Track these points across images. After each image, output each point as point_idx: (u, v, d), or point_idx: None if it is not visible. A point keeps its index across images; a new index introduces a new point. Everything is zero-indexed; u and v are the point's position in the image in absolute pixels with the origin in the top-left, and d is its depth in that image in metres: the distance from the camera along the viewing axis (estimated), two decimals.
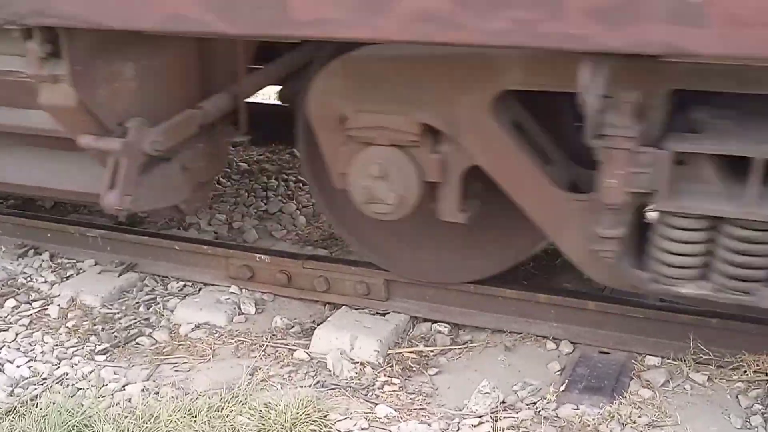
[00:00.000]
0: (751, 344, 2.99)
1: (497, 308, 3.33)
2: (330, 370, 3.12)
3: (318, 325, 3.35)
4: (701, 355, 3.01)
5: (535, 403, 2.88)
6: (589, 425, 2.74)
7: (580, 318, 3.21)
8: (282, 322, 3.44)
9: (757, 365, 2.94)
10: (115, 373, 3.14)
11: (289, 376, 3.11)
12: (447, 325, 3.36)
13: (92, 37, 2.74)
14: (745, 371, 2.94)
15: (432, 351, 3.24)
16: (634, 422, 2.75)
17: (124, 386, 3.06)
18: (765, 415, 2.75)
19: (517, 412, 2.84)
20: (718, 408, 2.83)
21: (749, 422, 2.75)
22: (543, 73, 2.50)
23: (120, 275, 3.77)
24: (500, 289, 3.34)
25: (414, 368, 3.13)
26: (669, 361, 3.04)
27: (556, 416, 2.81)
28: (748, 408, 2.81)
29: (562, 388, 2.93)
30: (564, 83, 2.37)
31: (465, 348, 3.25)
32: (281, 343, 3.31)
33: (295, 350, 3.26)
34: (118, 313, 3.55)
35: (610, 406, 2.82)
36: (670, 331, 3.09)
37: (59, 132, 2.98)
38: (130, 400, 2.96)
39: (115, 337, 3.37)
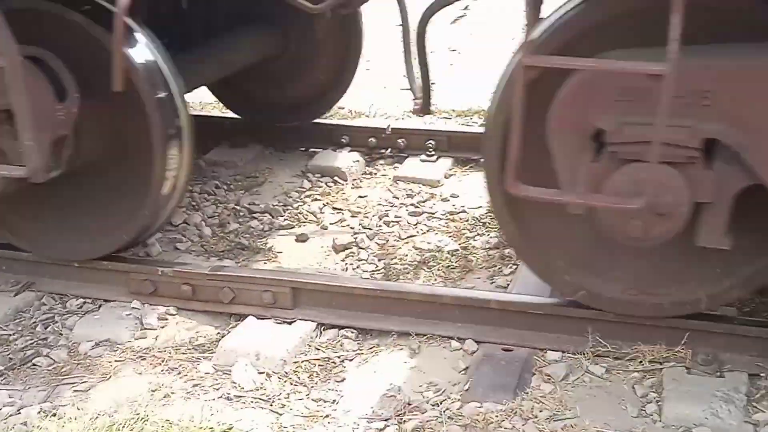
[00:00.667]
0: (646, 335, 3.09)
1: (403, 311, 3.35)
2: (235, 382, 3.08)
3: (223, 336, 3.31)
4: (599, 348, 3.09)
5: (440, 403, 2.91)
6: (492, 422, 2.78)
7: (484, 317, 3.26)
8: (186, 336, 3.38)
9: (652, 355, 3.03)
10: (9, 397, 3.03)
11: (193, 390, 3.06)
12: (354, 331, 3.36)
13: None
14: (641, 361, 3.03)
15: (339, 357, 3.23)
16: (536, 417, 2.80)
17: (19, 410, 2.96)
18: (659, 403, 2.84)
19: (423, 413, 2.86)
20: (615, 398, 2.91)
21: (645, 410, 2.84)
22: None
23: (16, 295, 3.64)
24: (406, 292, 3.38)
25: (320, 375, 3.12)
26: (569, 355, 3.12)
27: (461, 415, 2.84)
28: (643, 397, 2.90)
29: (467, 386, 2.97)
30: None
31: (371, 352, 3.26)
32: (185, 357, 3.25)
33: (199, 363, 3.20)
34: (13, 334, 3.43)
35: (513, 402, 2.86)
36: (570, 326, 3.16)
37: None
38: (25, 424, 2.86)
39: (11, 359, 3.26)
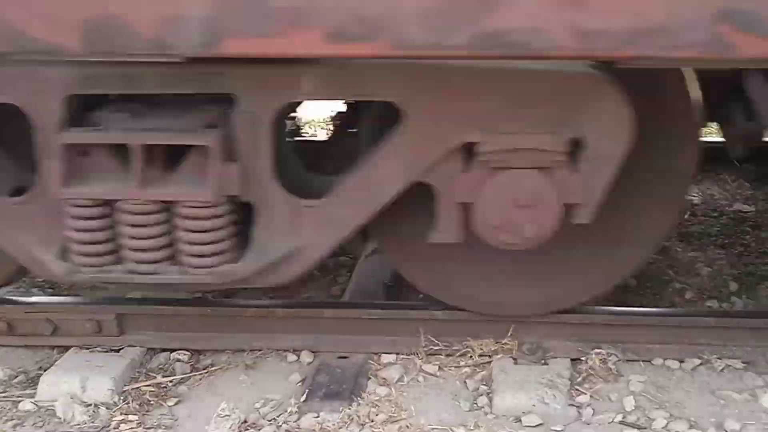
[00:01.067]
0: (475, 331, 3.17)
1: (237, 328, 3.28)
2: (60, 417, 2.91)
3: (45, 371, 3.12)
4: (432, 347, 3.16)
5: (276, 418, 2.87)
6: (329, 431, 2.77)
7: (319, 326, 3.25)
8: (3, 374, 3.17)
9: (481, 349, 3.12)
10: None
11: (14, 431, 2.87)
12: (187, 353, 3.27)
13: None
14: (471, 356, 3.12)
15: (171, 381, 3.12)
16: (372, 421, 2.82)
17: None
18: (490, 395, 2.93)
19: (259, 430, 2.81)
20: (448, 395, 2.97)
21: (476, 403, 2.91)
22: None
23: None
24: (239, 308, 3.31)
25: (152, 402, 3.00)
26: (403, 356, 3.16)
27: (298, 427, 2.81)
28: (475, 390, 2.98)
29: (303, 398, 2.94)
30: None
31: (206, 373, 3.17)
32: (3, 397, 3.04)
33: (20, 401, 3.00)
34: None
35: (350, 408, 2.87)
36: (403, 328, 3.20)
37: None
38: None
39: None
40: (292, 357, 3.22)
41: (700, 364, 3.03)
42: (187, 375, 3.16)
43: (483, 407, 2.89)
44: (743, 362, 3.02)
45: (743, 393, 2.88)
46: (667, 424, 2.73)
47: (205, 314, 3.30)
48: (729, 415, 2.76)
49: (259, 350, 3.25)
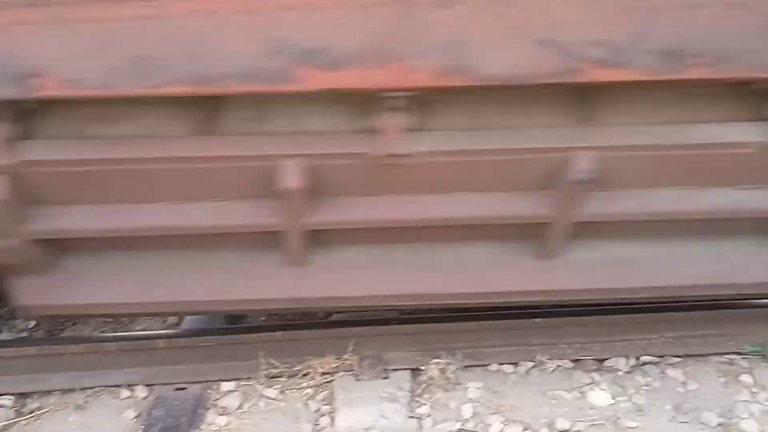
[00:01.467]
0: (315, 349, 3.14)
1: (66, 367, 3.11)
2: None
3: None
4: (272, 370, 3.10)
5: None
6: None
7: (153, 359, 3.13)
8: None
9: (322, 368, 3.10)
10: None
11: None
12: (11, 397, 3.06)
13: None
14: (313, 377, 3.08)
15: None
16: None
17: None
18: (332, 414, 2.91)
19: None
20: (290, 418, 2.93)
21: (318, 424, 2.89)
22: None
23: None
24: (66, 346, 3.14)
25: None
26: (243, 382, 3.09)
27: None
28: (316, 411, 2.95)
29: None
30: None
31: (32, 417, 2.99)
32: None
33: None
34: None
35: None
36: (241, 353, 3.13)
37: None
38: None
39: None
40: (125, 393, 3.08)
41: (533, 366, 3.13)
42: (12, 421, 2.97)
43: (325, 427, 2.87)
44: (572, 361, 3.14)
45: (572, 391, 3.00)
46: (503, 428, 2.81)
47: (29, 354, 3.11)
48: (560, 414, 2.87)
49: (91, 388, 3.09)
